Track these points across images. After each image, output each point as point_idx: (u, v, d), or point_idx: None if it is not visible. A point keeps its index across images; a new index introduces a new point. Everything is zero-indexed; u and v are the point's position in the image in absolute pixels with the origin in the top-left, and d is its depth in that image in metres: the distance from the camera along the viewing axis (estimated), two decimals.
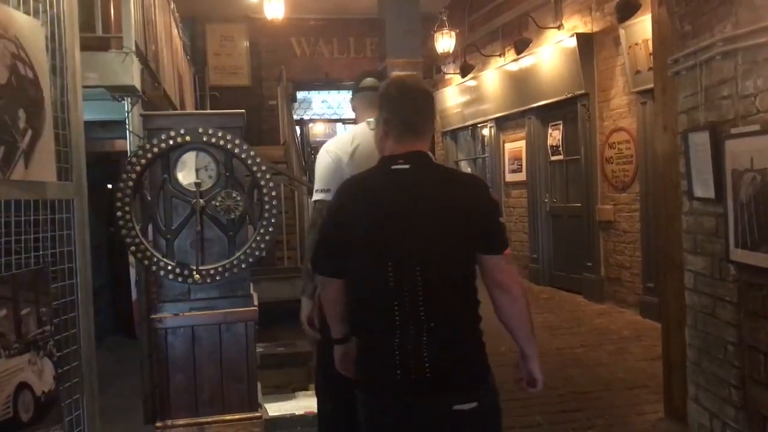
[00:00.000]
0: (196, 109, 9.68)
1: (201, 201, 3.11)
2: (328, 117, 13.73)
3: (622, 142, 6.94)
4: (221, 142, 3.12)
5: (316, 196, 2.67)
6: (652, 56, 4.12)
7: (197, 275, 3.08)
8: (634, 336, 5.96)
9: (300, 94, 14.62)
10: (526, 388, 2.06)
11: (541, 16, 8.12)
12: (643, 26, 6.22)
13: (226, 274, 3.14)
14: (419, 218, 1.88)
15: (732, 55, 2.93)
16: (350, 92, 11.55)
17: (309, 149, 11.41)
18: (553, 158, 8.41)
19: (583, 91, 7.36)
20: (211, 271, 3.12)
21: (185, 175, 3.14)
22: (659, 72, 3.90)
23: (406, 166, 1.91)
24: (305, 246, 2.97)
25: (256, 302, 3.33)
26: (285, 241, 6.85)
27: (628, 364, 5.14)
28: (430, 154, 2.00)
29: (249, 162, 3.14)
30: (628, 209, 6.89)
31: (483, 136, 10.60)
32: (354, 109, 2.88)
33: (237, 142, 3.14)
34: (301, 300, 2.81)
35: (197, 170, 3.14)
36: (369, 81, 2.79)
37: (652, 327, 6.21)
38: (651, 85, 6.36)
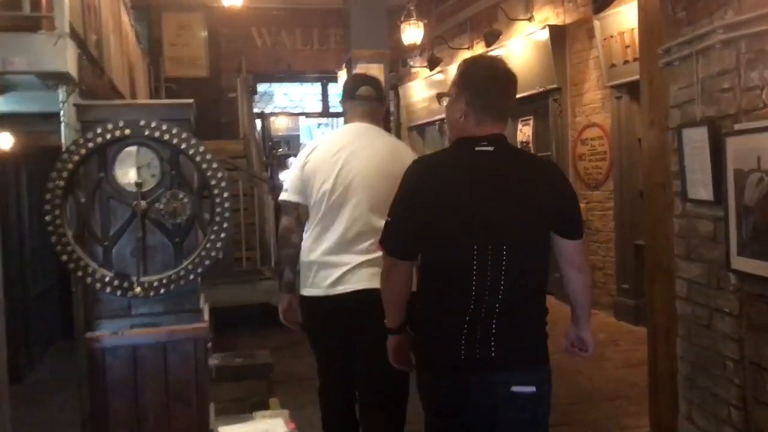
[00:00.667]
0: None
1: (143, 203, 2.73)
2: (290, 111, 13.32)
3: (595, 138, 6.71)
4: (166, 137, 2.75)
5: (281, 195, 2.81)
6: (638, 46, 3.85)
7: (139, 288, 2.70)
8: (610, 340, 5.73)
9: (261, 87, 14.19)
10: (579, 352, 2.17)
11: (512, 7, 7.86)
12: (618, 17, 5.99)
13: (172, 286, 2.77)
14: (505, 201, 1.89)
15: (734, 43, 2.66)
16: (314, 84, 11.16)
17: (271, 144, 10.97)
18: None
19: (554, 86, 7.11)
20: (155, 283, 2.75)
21: (125, 174, 2.75)
22: (646, 63, 3.64)
23: (490, 148, 1.90)
24: (277, 243, 3.02)
25: (207, 316, 2.96)
26: (244, 240, 6.46)
27: (607, 372, 4.90)
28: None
29: (198, 159, 2.78)
30: (602, 207, 6.66)
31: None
32: (345, 112, 2.86)
33: (184, 136, 2.77)
34: (279, 296, 2.92)
35: (139, 168, 2.75)
36: (366, 90, 2.79)
37: (627, 330, 6.00)
38: (627, 79, 6.15)
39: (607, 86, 6.38)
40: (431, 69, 9.34)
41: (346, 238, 2.66)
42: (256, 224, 6.57)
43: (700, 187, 2.92)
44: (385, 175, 2.57)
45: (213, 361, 4.57)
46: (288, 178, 2.82)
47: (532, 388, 1.92)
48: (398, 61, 10.76)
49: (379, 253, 2.17)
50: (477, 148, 1.91)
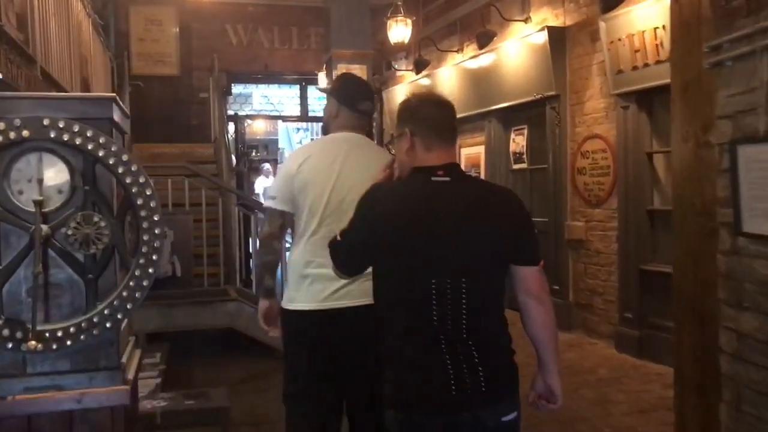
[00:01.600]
0: None
1: (44, 227, 2.07)
2: (267, 113, 12.65)
3: (597, 151, 6.13)
4: (78, 141, 2.08)
5: (266, 202, 2.74)
6: (670, 44, 3.24)
7: (34, 341, 2.03)
8: (613, 378, 5.13)
9: (238, 89, 13.53)
10: (546, 405, 2.04)
11: (507, 7, 7.27)
12: (627, 19, 5.42)
13: (83, 337, 2.11)
14: (463, 233, 1.87)
15: None
16: (292, 86, 10.49)
17: (244, 148, 10.28)
18: (516, 166, 7.57)
19: (553, 93, 6.52)
20: (59, 333, 2.08)
21: (22, 189, 2.09)
22: (680, 65, 3.03)
23: (447, 179, 1.90)
24: (259, 249, 2.80)
25: (132, 374, 2.29)
26: (206, 255, 5.78)
27: (613, 419, 4.28)
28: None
29: (120, 170, 2.11)
30: (603, 227, 6.07)
31: None
32: (334, 116, 2.73)
33: (103, 140, 2.10)
34: (260, 301, 2.73)
35: (40, 182, 2.09)
36: (368, 106, 2.73)
37: (632, 366, 5.41)
38: (636, 87, 5.58)
39: (613, 94, 5.80)
40: (417, 72, 8.73)
41: None
42: (221, 237, 5.89)
43: (762, 219, 2.31)
44: None
45: (159, 403, 3.91)
46: (276, 184, 2.71)
47: (515, 414, 1.92)
48: (382, 64, 10.15)
49: None
50: (433, 179, 1.90)
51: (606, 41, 5.69)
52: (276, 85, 11.95)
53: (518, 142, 7.44)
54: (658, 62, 5.17)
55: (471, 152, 8.39)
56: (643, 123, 5.62)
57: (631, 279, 5.70)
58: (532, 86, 6.77)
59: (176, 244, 5.55)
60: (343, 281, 2.46)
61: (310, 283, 2.56)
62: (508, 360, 1.95)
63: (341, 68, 7.27)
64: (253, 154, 19.89)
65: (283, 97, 12.59)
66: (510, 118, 7.62)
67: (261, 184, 15.52)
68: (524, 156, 7.35)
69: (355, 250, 1.99)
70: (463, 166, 8.65)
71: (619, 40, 5.53)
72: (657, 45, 5.15)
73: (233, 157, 9.87)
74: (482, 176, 8.11)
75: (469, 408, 1.84)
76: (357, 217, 1.98)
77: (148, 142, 8.88)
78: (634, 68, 5.43)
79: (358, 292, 2.50)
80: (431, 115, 1.95)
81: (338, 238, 2.02)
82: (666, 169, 5.59)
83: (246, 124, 16.89)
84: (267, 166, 15.75)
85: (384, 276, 1.94)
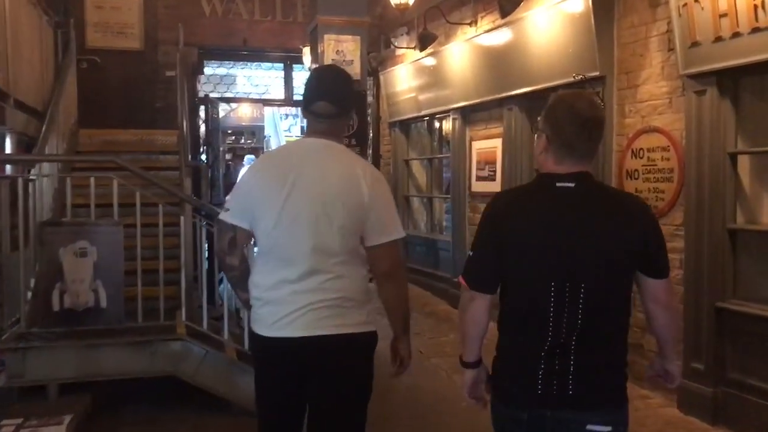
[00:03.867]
0: (54, 79, 7.06)
1: None
2: (249, 97, 11.21)
3: (655, 149, 4.74)
4: None
5: (220, 214, 2.51)
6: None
7: None
8: None
9: (219, 69, 12.10)
10: (663, 382, 2.20)
11: None
12: None
13: None
14: (585, 239, 1.89)
15: None
16: (275, 66, 9.05)
17: (214, 137, 8.84)
18: None
19: (596, 73, 5.13)
20: None
21: None
22: None
23: (571, 185, 1.92)
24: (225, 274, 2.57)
25: None
26: (140, 282, 4.37)
27: None
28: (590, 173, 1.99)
29: None
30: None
31: (443, 131, 8.32)
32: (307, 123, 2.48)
33: None
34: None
35: None
36: (323, 108, 2.36)
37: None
38: (720, 64, 4.14)
39: (683, 75, 4.41)
40: (422, 49, 7.31)
41: (292, 274, 2.30)
42: (160, 256, 4.47)
43: None
44: (338, 205, 2.28)
45: None
46: (232, 195, 2.55)
47: (608, 428, 1.91)
48: (380, 40, 8.73)
49: (332, 294, 2.27)
50: (558, 184, 1.92)
51: (676, 4, 4.29)
52: (259, 66, 10.50)
53: None
54: (754, 30, 3.80)
55: (485, 146, 6.99)
56: (726, 113, 4.23)
57: (703, 319, 4.33)
58: (567, 66, 5.37)
59: (101, 264, 4.16)
60: (292, 308, 2.29)
61: (261, 305, 2.38)
62: (615, 374, 1.96)
63: (329, 40, 5.89)
64: (242, 141, 18.58)
65: (269, 79, 11.16)
66: (536, 106, 6.20)
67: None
68: None
69: (487, 265, 1.98)
70: (473, 163, 7.29)
71: (696, 1, 4.14)
72: (755, 6, 3.77)
73: (206, 148, 8.48)
74: (498, 176, 6.74)
75: (552, 407, 1.90)
76: (483, 231, 2.00)
77: (103, 128, 7.50)
78: (718, 39, 4.04)
79: (306, 322, 2.29)
80: (570, 135, 1.92)
81: (469, 254, 2.03)
82: (756, 176, 4.22)
83: (230, 109, 15.50)
84: (250, 158, 14.40)
85: (507, 279, 1.95)
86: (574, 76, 5.17)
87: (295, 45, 8.73)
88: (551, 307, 1.88)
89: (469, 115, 7.35)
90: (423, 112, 8.29)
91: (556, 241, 1.87)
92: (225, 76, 13.18)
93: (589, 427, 1.89)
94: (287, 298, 2.29)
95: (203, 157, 8.75)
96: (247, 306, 2.49)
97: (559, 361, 1.89)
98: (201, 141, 8.70)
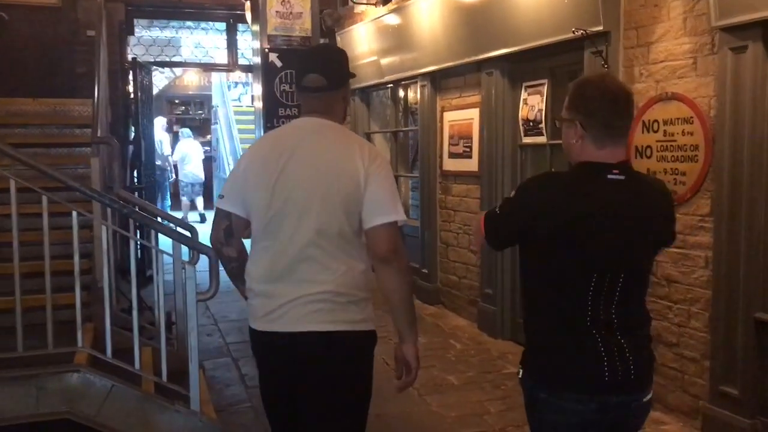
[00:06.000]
0: None
1: None
2: (183, 60, 10.04)
3: (673, 122, 3.86)
4: None
5: (216, 201, 2.37)
6: None
7: None
8: None
9: (165, 33, 10.90)
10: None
11: None
12: None
13: None
14: (630, 231, 1.91)
15: None
16: (216, 25, 7.90)
17: (147, 108, 7.70)
18: (528, 140, 5.25)
19: (599, 28, 4.20)
20: None
21: None
22: None
23: (622, 177, 1.91)
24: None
25: None
26: (19, 300, 3.31)
27: None
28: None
29: None
30: (682, 243, 3.83)
31: (410, 100, 7.33)
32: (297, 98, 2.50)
33: None
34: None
35: None
36: (313, 80, 2.24)
37: None
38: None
39: (715, 28, 3.52)
40: (385, 2, 6.27)
41: (282, 264, 2.18)
42: (46, 266, 3.40)
43: None
44: (332, 191, 2.15)
45: None
46: (227, 180, 2.38)
47: (650, 395, 2.00)
48: None
49: (323, 287, 2.15)
50: (609, 177, 1.90)
51: None
52: (198, 27, 9.30)
53: (533, 104, 5.12)
54: None
55: (459, 118, 6.04)
56: None
57: (738, 333, 3.50)
58: (562, 20, 4.44)
59: None
60: (281, 300, 2.16)
61: (253, 296, 2.27)
62: (650, 348, 2.02)
63: None
64: (191, 112, 17.32)
65: (211, 42, 9.98)
66: (521, 69, 5.28)
67: (180, 152, 12.89)
68: (542, 125, 5.04)
69: (511, 232, 1.99)
70: (445, 137, 6.33)
71: None
72: None
73: (132, 120, 7.36)
74: (475, 151, 5.80)
75: (619, 392, 1.91)
76: (522, 198, 1.95)
77: (10, 96, 6.36)
78: None
79: (295, 316, 2.15)
80: (606, 113, 1.90)
81: (497, 211, 2.01)
82: None
83: (173, 77, 14.23)
84: (186, 131, 13.17)
85: (543, 263, 1.93)
86: (573, 31, 4.22)
87: (239, 2, 7.59)
88: (590, 295, 1.89)
89: (440, 81, 6.36)
90: (386, 79, 7.26)
91: (602, 233, 1.88)
92: (172, 39, 11.97)
93: (644, 399, 1.97)
94: (276, 290, 2.19)
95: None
96: (246, 297, 2.37)
97: (617, 348, 1.90)
98: (136, 113, 7.56)
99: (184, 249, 3.72)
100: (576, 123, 1.92)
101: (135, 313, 3.49)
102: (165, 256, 3.57)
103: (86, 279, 4.27)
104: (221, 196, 2.31)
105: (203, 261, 3.68)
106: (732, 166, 3.50)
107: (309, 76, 2.25)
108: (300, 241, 2.14)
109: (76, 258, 3.39)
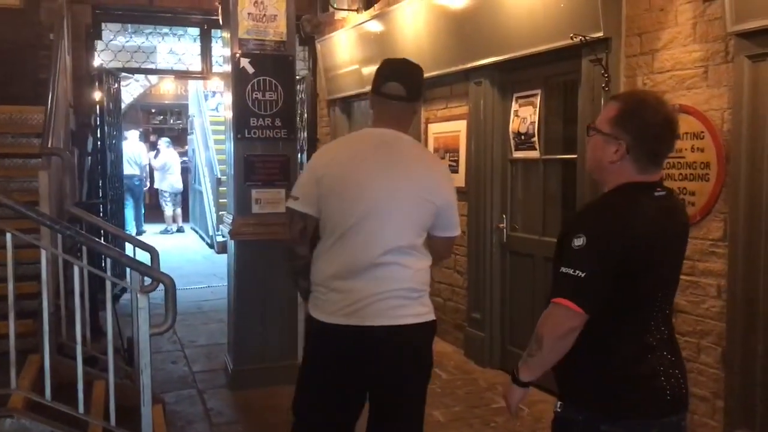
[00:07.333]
0: None
1: None
2: (155, 67, 9.63)
3: (683, 137, 3.52)
4: None
5: (288, 202, 2.51)
6: None
7: None
8: None
9: (136, 39, 10.42)
10: None
11: None
12: None
13: None
14: (675, 244, 1.93)
15: None
16: (189, 31, 7.46)
17: (116, 117, 7.27)
18: (519, 154, 4.89)
19: (600, 35, 3.87)
20: None
21: None
22: None
23: (664, 193, 1.89)
24: (283, 254, 2.60)
25: None
26: None
27: None
28: None
29: None
30: (691, 269, 3.49)
31: None
32: (370, 106, 2.54)
33: None
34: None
35: None
36: (394, 88, 2.41)
37: None
38: None
39: (731, 33, 3.19)
40: (367, 7, 5.92)
41: (360, 265, 2.34)
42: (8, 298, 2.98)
43: None
44: (418, 201, 2.37)
45: None
46: (299, 183, 2.49)
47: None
48: (316, 1, 7.31)
49: (398, 284, 2.33)
50: (656, 194, 1.87)
51: None
52: (165, 28, 8.89)
53: (525, 116, 4.77)
54: None
55: (444, 130, 5.68)
56: None
57: (757, 370, 3.16)
58: (558, 25, 4.10)
59: None
60: (358, 296, 2.32)
61: (324, 293, 2.41)
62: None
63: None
64: (170, 121, 16.87)
65: (185, 48, 9.57)
66: (512, 78, 4.93)
67: (161, 161, 12.59)
68: (534, 139, 4.69)
69: (605, 286, 1.79)
70: (432, 149, 5.97)
71: None
72: None
73: (93, 130, 6.94)
74: (462, 165, 5.44)
75: (677, 412, 1.89)
76: (592, 248, 1.78)
77: None
78: None
79: (372, 312, 2.33)
80: (660, 142, 1.85)
81: (579, 275, 1.78)
82: None
83: (149, 85, 13.79)
84: (165, 140, 12.84)
85: (617, 292, 1.81)
86: (572, 37, 3.88)
87: (214, 6, 7.20)
88: (653, 316, 1.88)
89: (425, 91, 6.00)
90: (368, 88, 6.87)
91: (663, 253, 1.86)
92: (142, 45, 11.54)
93: (686, 418, 1.97)
94: (355, 287, 2.33)
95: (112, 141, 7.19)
96: (305, 295, 2.53)
97: (670, 367, 1.88)
98: (99, 122, 7.14)
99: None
100: (621, 142, 1.83)
101: (79, 348, 3.06)
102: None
103: (34, 304, 3.84)
104: (295, 198, 2.44)
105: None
106: (749, 186, 3.17)
107: (390, 84, 2.41)
108: (383, 246, 2.32)
109: (11, 285, 2.96)
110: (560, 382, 1.96)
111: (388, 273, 2.33)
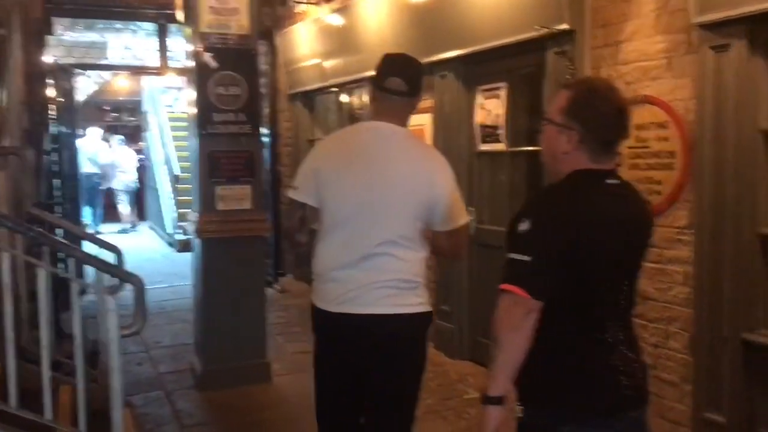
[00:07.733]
0: None
1: None
2: (110, 63, 9.42)
3: (647, 126, 3.59)
4: None
5: (288, 192, 2.61)
6: None
7: None
8: None
9: (90, 35, 10.16)
10: None
11: None
12: None
13: None
14: (631, 235, 1.86)
15: None
16: (149, 33, 7.32)
17: (70, 114, 7.09)
18: (485, 147, 4.92)
19: (564, 26, 3.91)
20: None
21: None
22: None
23: (617, 181, 1.87)
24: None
25: None
26: None
27: None
28: None
29: None
30: (658, 257, 3.55)
31: (356, 105, 6.94)
32: (370, 100, 2.59)
33: None
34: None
35: None
36: (396, 83, 2.44)
37: None
38: (752, 8, 3.03)
39: (694, 25, 3.25)
40: (327, 1, 5.87)
41: (356, 255, 2.39)
42: None
43: None
44: (412, 193, 2.41)
45: None
46: (298, 173, 2.54)
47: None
48: None
49: (391, 275, 2.36)
50: (608, 181, 1.84)
51: None
52: (125, 27, 8.69)
53: (490, 109, 4.79)
54: None
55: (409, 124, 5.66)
56: (759, 76, 3.11)
57: (724, 355, 3.23)
58: (522, 18, 4.13)
59: None
60: (352, 286, 2.37)
61: (323, 282, 2.48)
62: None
63: None
64: (126, 118, 16.52)
65: (140, 44, 9.38)
66: (477, 71, 4.95)
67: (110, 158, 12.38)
68: (500, 132, 4.72)
69: (553, 271, 1.73)
70: None
71: None
72: None
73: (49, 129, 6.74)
74: None
75: (636, 407, 1.87)
76: (543, 231, 1.74)
77: None
78: None
79: (365, 301, 2.38)
80: (611, 129, 1.82)
81: (525, 259, 1.73)
82: None
83: (103, 82, 13.48)
84: (117, 138, 12.60)
85: (565, 283, 1.75)
86: (536, 28, 3.91)
87: (170, 0, 7.06)
88: (614, 308, 1.85)
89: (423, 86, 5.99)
90: (330, 82, 6.85)
91: (620, 240, 1.82)
92: (96, 41, 11.26)
93: (646, 410, 1.92)
94: (350, 276, 2.38)
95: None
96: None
97: (630, 361, 1.86)
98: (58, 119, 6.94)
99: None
100: (574, 132, 1.80)
101: (45, 353, 2.96)
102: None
103: None
104: (295, 188, 2.50)
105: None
106: (715, 175, 3.23)
107: (392, 79, 2.43)
108: (376, 238, 2.36)
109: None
110: (518, 384, 1.82)
111: (382, 263, 2.36)
